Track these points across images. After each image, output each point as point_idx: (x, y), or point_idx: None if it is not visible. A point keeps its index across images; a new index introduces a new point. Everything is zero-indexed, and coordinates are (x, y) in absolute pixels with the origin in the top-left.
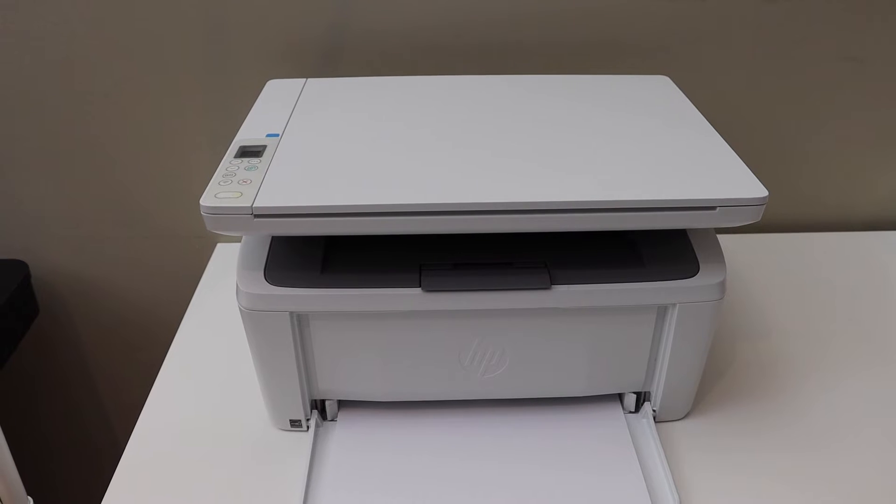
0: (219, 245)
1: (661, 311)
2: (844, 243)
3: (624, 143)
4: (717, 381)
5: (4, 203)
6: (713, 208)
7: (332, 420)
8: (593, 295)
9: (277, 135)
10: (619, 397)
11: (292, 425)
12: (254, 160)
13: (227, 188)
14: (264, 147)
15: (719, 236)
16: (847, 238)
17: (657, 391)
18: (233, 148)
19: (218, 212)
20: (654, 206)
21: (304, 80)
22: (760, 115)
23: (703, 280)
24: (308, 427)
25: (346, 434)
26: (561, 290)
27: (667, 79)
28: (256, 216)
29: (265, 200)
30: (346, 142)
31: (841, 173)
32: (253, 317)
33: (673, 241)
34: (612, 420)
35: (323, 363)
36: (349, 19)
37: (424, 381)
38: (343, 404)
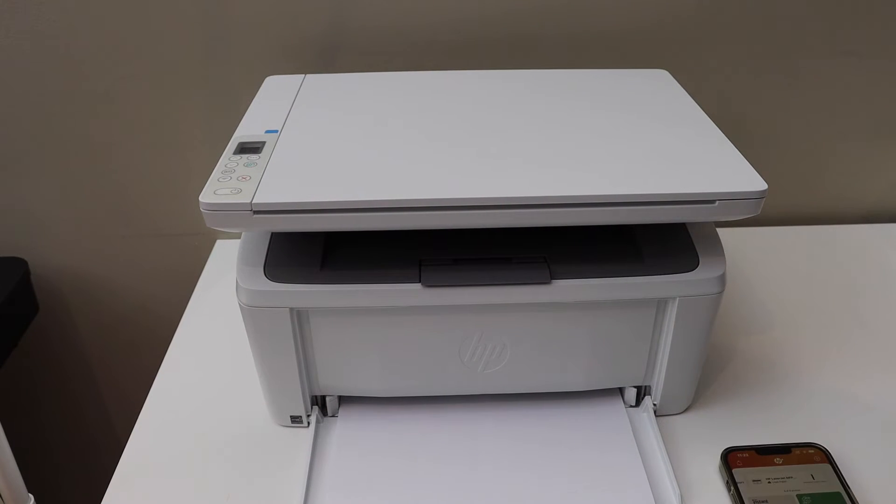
0: (218, 242)
1: (661, 305)
2: (844, 236)
3: (623, 138)
4: (717, 375)
5: (4, 200)
6: (712, 202)
7: (332, 416)
8: (593, 289)
9: (276, 131)
10: (620, 391)
11: (293, 421)
12: (253, 156)
13: (226, 184)
14: (263, 143)
15: (719, 229)
16: (846, 231)
17: (657, 385)
18: (232, 144)
19: (217, 208)
20: (653, 200)
21: (303, 76)
22: (759, 108)
23: (703, 273)
24: (309, 423)
25: (346, 430)
26: (561, 284)
27: (665, 73)
28: (256, 212)
29: (264, 196)
30: (345, 137)
31: (840, 166)
32: (253, 313)
33: (672, 235)
34: (612, 414)
35: (323, 359)
36: (348, 15)
37: (425, 377)
38: (344, 400)
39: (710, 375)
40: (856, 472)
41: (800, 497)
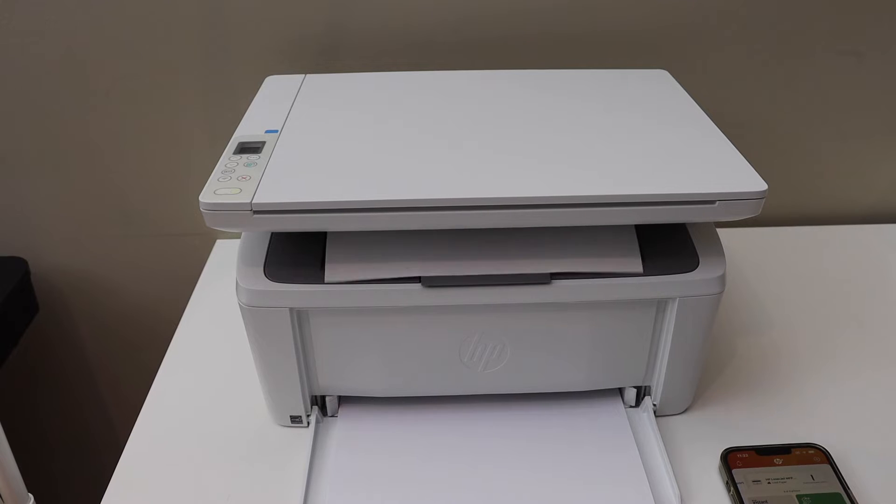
0: (218, 241)
1: (661, 306)
2: (844, 236)
3: (623, 138)
4: (717, 376)
5: (4, 200)
6: (713, 202)
7: (332, 416)
8: (593, 289)
9: (276, 131)
10: (620, 391)
11: (293, 421)
12: (253, 156)
13: (226, 184)
14: (263, 143)
15: (719, 229)
16: (846, 231)
17: (657, 385)
18: (232, 144)
19: (217, 208)
20: (653, 201)
21: (303, 75)
22: (759, 108)
23: (703, 274)
24: (308, 423)
25: (346, 430)
26: (561, 284)
27: (666, 73)
28: (255, 212)
29: (264, 196)
30: (345, 137)
31: (840, 167)
32: (253, 313)
33: (672, 235)
34: (612, 414)
35: (323, 359)
36: (348, 15)
37: (425, 377)
38: (343, 400)
39: (710, 375)
40: (856, 472)
41: (800, 497)
